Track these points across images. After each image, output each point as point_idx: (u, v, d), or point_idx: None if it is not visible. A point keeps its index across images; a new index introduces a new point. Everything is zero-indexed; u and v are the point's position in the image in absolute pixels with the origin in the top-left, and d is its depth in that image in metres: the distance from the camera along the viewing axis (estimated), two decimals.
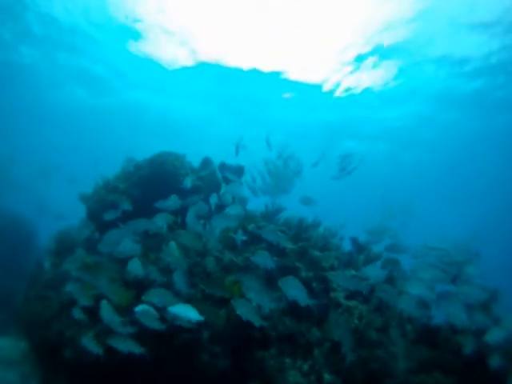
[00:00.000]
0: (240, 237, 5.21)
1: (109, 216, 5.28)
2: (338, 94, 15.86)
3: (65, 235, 6.56)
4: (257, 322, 3.72)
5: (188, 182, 5.54)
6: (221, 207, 5.49)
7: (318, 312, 4.29)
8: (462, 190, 25.84)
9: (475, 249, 4.86)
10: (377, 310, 4.13)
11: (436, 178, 24.50)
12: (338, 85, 15.13)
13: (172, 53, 14.18)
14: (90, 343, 4.00)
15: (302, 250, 4.91)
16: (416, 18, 10.73)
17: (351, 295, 4.42)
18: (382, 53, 12.56)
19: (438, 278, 4.27)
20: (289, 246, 4.96)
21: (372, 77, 14.13)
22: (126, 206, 5.45)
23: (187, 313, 3.64)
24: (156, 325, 3.70)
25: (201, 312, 3.78)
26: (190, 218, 4.83)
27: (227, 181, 6.70)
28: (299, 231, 6.13)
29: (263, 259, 4.19)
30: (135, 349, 3.68)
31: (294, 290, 3.73)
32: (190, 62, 14.78)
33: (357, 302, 4.28)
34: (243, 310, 3.75)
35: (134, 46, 14.03)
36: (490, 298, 4.18)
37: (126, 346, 3.71)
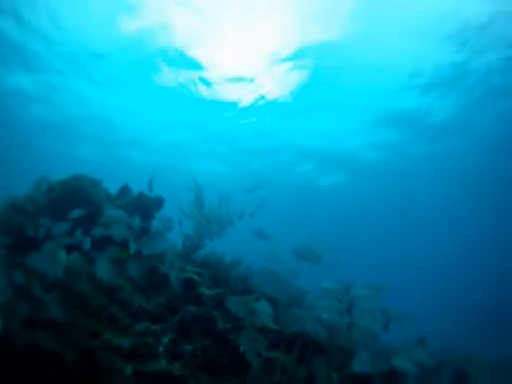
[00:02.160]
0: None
1: None
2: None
3: None
4: None
5: (75, 213, 4.95)
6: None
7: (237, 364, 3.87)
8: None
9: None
10: (300, 360, 3.85)
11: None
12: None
13: None
14: None
15: (219, 297, 4.51)
16: None
17: (274, 345, 4.10)
18: None
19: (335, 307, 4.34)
20: (205, 292, 4.52)
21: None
22: (31, 231, 4.90)
23: None
24: None
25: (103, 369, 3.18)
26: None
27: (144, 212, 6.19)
28: (218, 271, 5.75)
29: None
30: None
31: None
32: None
33: (279, 352, 3.96)
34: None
35: None
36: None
37: None
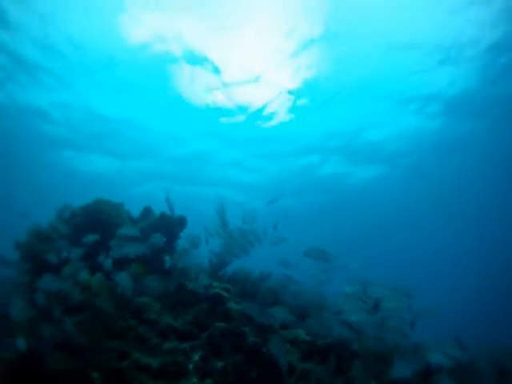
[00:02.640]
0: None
1: None
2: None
3: None
4: None
5: (90, 238, 5.00)
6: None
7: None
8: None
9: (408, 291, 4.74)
10: (337, 370, 3.66)
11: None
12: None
13: None
14: None
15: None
16: None
17: (307, 355, 3.92)
18: None
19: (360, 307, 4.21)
20: (233, 307, 4.42)
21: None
22: (53, 258, 4.99)
23: None
24: None
25: None
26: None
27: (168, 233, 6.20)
28: (245, 286, 5.64)
29: None
30: None
31: None
32: None
33: (313, 363, 3.78)
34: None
35: None
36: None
37: None
